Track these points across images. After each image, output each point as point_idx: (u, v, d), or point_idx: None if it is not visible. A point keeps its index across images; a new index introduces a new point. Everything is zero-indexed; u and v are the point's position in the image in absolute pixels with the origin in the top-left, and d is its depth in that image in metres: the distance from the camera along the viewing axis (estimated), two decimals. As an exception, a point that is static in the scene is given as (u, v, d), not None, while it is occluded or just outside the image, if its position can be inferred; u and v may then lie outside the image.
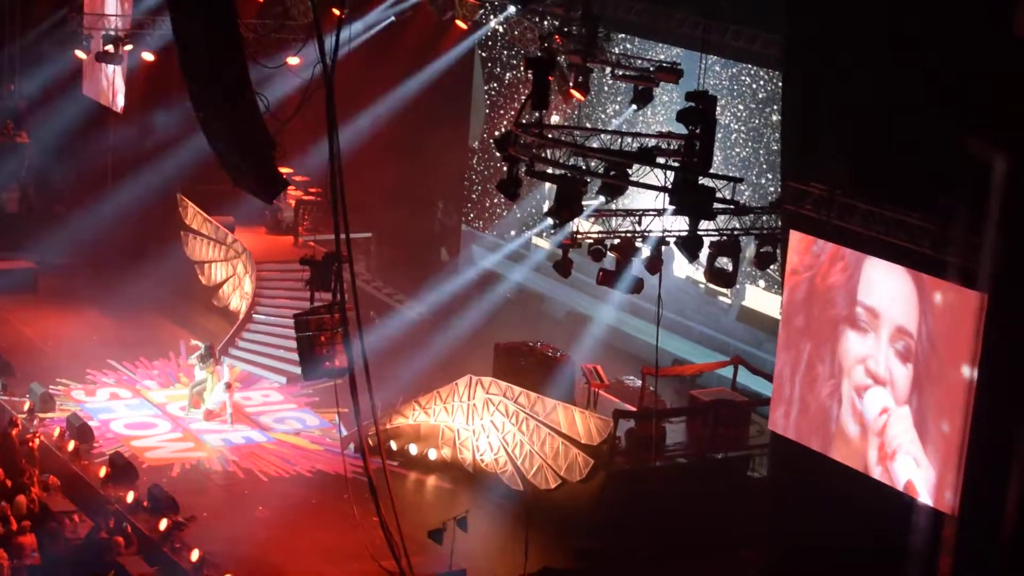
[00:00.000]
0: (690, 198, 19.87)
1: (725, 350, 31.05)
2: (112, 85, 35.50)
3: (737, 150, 31.41)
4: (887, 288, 19.92)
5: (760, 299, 31.49)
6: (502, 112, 36.79)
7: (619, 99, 33.78)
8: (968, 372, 18.62)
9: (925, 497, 19.44)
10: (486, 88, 37.19)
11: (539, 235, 37.63)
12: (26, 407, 27.03)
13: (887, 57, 19.23)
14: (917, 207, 18.95)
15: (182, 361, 29.50)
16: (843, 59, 20.08)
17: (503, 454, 25.74)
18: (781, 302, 22.61)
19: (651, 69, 23.73)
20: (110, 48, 32.39)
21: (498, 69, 36.90)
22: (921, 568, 18.92)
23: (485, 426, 26.00)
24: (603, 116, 34.48)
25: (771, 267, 23.89)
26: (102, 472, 24.80)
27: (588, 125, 32.81)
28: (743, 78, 31.12)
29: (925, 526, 19.20)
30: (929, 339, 19.35)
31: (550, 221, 23.22)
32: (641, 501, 24.24)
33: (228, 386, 28.03)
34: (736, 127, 31.39)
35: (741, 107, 31.29)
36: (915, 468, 19.69)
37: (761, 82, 30.77)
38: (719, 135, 26.77)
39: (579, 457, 24.60)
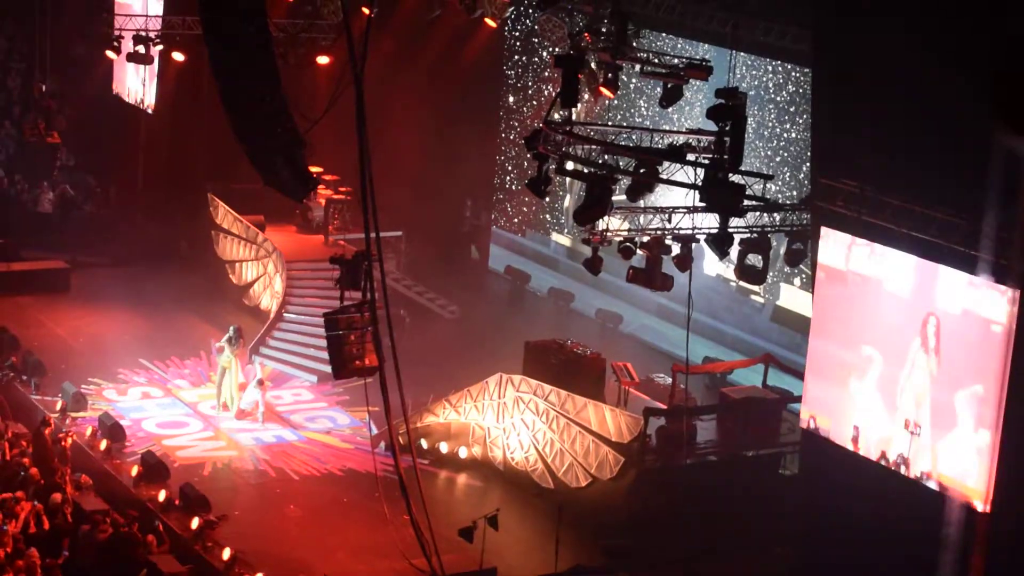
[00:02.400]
0: (720, 195, 19.87)
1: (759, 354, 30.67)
2: (143, 85, 35.60)
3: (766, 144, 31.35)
4: (920, 285, 19.86)
5: (796, 298, 31.07)
6: (526, 110, 36.77)
7: (646, 96, 33.74)
8: (1002, 369, 18.56)
9: (958, 494, 19.37)
10: (514, 85, 37.18)
11: (563, 232, 37.64)
12: (58, 406, 27.12)
13: (918, 52, 19.15)
14: (948, 203, 18.89)
15: (212, 360, 29.52)
16: (873, 54, 20.02)
17: (533, 452, 25.73)
18: (812, 298, 22.54)
19: (680, 66, 23.66)
20: (140, 48, 32.47)
21: (525, 66, 36.89)
22: (953, 566, 18.85)
23: (515, 424, 25.99)
24: (632, 113, 34.42)
25: (802, 264, 23.84)
26: (134, 471, 24.86)
27: (621, 123, 32.81)
28: (772, 75, 31.05)
29: (958, 523, 19.13)
30: (962, 336, 19.29)
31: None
32: (672, 499, 24.20)
33: (260, 383, 28.08)
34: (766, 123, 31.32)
35: (771, 107, 31.22)
36: (948, 465, 19.63)
37: (793, 77, 30.69)
38: (749, 132, 26.73)
39: (609, 455, 24.57)
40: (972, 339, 19.13)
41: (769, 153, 31.19)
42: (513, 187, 37.43)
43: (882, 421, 20.58)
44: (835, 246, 21.03)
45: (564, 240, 38.13)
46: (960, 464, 19.40)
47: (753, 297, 32.87)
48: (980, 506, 19.09)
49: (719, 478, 25.03)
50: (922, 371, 19.93)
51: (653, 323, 33.84)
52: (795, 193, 29.95)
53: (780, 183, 30.46)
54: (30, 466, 23.66)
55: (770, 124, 31.18)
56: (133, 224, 37.57)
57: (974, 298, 18.96)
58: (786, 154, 30.98)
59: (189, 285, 34.60)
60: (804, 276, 29.40)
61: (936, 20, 18.83)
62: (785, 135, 31.00)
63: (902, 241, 19.75)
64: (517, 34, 36.55)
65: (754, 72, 31.24)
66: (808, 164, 28.42)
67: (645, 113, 34.04)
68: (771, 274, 30.43)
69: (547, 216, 37.49)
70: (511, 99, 37.22)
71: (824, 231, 21.22)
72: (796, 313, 30.65)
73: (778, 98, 31.06)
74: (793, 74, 30.52)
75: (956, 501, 19.35)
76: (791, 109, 30.80)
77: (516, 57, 36.88)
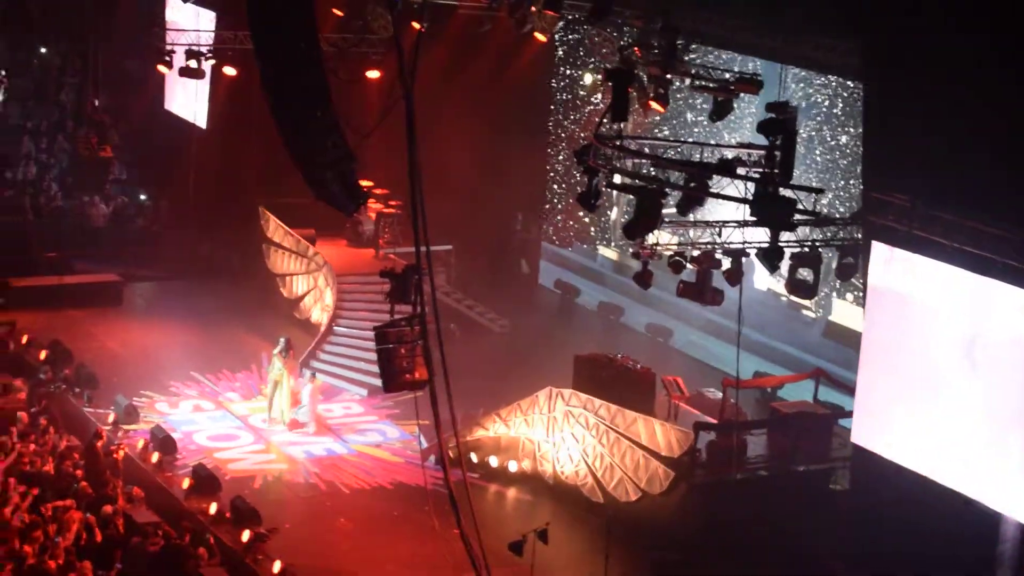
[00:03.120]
0: (770, 209, 19.81)
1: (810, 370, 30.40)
2: (195, 100, 35.81)
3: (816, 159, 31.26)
4: (971, 301, 19.74)
5: (849, 313, 30.85)
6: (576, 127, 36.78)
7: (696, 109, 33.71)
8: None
9: (1011, 511, 19.24)
10: (563, 100, 37.20)
11: (611, 247, 37.62)
12: (110, 419, 27.28)
13: (969, 65, 19.07)
14: (1002, 217, 18.78)
15: (263, 373, 29.63)
16: (924, 67, 19.94)
17: (583, 466, 25.70)
18: (863, 313, 22.45)
19: (731, 80, 23.63)
20: (192, 63, 32.67)
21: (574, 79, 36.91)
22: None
23: (565, 438, 25.97)
24: (678, 125, 34.39)
25: (854, 278, 23.74)
26: (185, 484, 24.97)
27: (668, 136, 32.80)
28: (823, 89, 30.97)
29: (1012, 543, 19.01)
30: (1014, 353, 19.16)
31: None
32: (722, 514, 24.11)
33: (312, 377, 28.23)
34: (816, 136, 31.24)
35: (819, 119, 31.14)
36: (1001, 482, 19.50)
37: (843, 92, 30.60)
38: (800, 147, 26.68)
39: (660, 469, 24.52)
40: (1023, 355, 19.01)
41: (823, 164, 31.12)
42: (560, 201, 37.42)
43: (935, 437, 20.46)
44: (886, 260, 20.93)
45: (611, 254, 38.13)
46: (1010, 485, 19.26)
47: (804, 312, 32.75)
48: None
49: (769, 493, 24.94)
50: (972, 390, 19.81)
51: (701, 339, 33.75)
52: (847, 207, 29.86)
53: (831, 196, 30.36)
54: (82, 478, 23.82)
55: (824, 136, 31.11)
56: (185, 238, 37.77)
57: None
58: (838, 167, 30.91)
59: (240, 298, 34.77)
60: (857, 291, 29.22)
61: (987, 33, 18.75)
62: (837, 148, 30.93)
63: (954, 255, 19.65)
64: (566, 48, 36.55)
65: (800, 84, 31.17)
66: (860, 177, 28.32)
67: (691, 125, 34.00)
68: (823, 289, 30.36)
69: (593, 230, 37.48)
70: (560, 113, 37.22)
71: (875, 245, 21.13)
72: (849, 328, 30.41)
73: (833, 110, 31.00)
74: (841, 88, 30.45)
75: (1009, 521, 19.23)
76: (842, 121, 30.73)
77: (564, 70, 36.87)
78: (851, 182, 30.39)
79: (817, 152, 31.53)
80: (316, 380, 28.95)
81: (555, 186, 37.59)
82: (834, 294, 31.35)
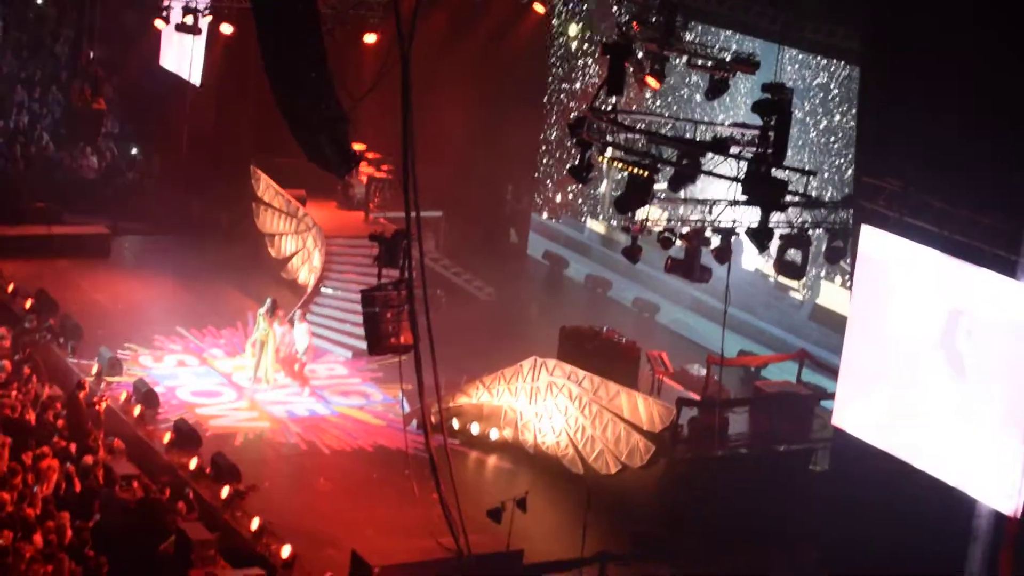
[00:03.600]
0: (762, 189, 19.87)
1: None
2: (190, 56, 35.71)
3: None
4: (958, 289, 19.78)
5: (837, 297, 30.82)
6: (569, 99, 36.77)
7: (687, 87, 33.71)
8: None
9: (988, 498, 19.32)
10: (559, 72, 37.19)
11: (600, 220, 37.66)
12: (94, 370, 27.29)
13: (966, 52, 19.07)
14: (993, 207, 18.80)
15: (249, 331, 29.61)
16: (921, 53, 19.94)
17: (565, 437, 25.78)
18: (850, 296, 22.50)
19: (728, 60, 23.65)
20: (189, 19, 32.57)
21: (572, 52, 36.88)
22: (981, 564, 18.86)
23: (548, 408, 26.04)
24: (671, 103, 34.39)
25: (843, 262, 23.80)
26: (166, 438, 25.00)
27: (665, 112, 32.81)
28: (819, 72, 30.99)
29: (986, 523, 19.11)
30: (997, 341, 19.21)
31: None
32: (701, 490, 24.22)
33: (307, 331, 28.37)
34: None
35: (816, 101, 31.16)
36: (978, 468, 19.57)
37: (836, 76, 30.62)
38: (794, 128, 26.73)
39: (641, 443, 24.60)
40: (1007, 344, 19.05)
41: (814, 149, 31.15)
42: (552, 173, 37.43)
43: (913, 423, 20.52)
44: (875, 245, 20.96)
45: (599, 227, 38.15)
46: (988, 468, 19.34)
47: (792, 294, 32.79)
48: (1010, 511, 19.03)
49: (749, 471, 25.04)
50: (955, 377, 19.87)
51: (686, 317, 33.81)
52: (837, 190, 29.90)
53: (821, 179, 30.39)
54: (63, 428, 23.85)
55: (816, 118, 31.14)
56: (175, 193, 37.69)
57: (1012, 303, 18.88)
58: (830, 149, 30.94)
59: (228, 256, 34.72)
60: (845, 274, 29.27)
61: (987, 20, 18.75)
62: (829, 131, 30.96)
63: (944, 243, 19.67)
64: (565, 18, 36.52)
65: (795, 67, 31.17)
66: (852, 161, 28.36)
67: (685, 103, 34.01)
68: (812, 271, 30.41)
69: (581, 202, 37.49)
70: (555, 84, 37.20)
71: (864, 229, 21.15)
72: (836, 312, 30.42)
73: (824, 93, 31.02)
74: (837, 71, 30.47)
75: (984, 502, 19.32)
76: (835, 105, 30.76)
77: (561, 40, 36.82)
78: (841, 165, 30.43)
79: (812, 134, 31.55)
80: (304, 321, 28.95)
81: (547, 158, 37.59)
82: (823, 277, 31.38)
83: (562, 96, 36.98)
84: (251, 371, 28.51)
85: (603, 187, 37.17)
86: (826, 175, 30.62)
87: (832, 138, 31.04)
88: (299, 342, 28.55)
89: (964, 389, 19.72)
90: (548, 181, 37.59)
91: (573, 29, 35.86)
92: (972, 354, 19.59)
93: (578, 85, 36.75)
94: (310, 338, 28.75)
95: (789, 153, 21.03)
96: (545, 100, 37.28)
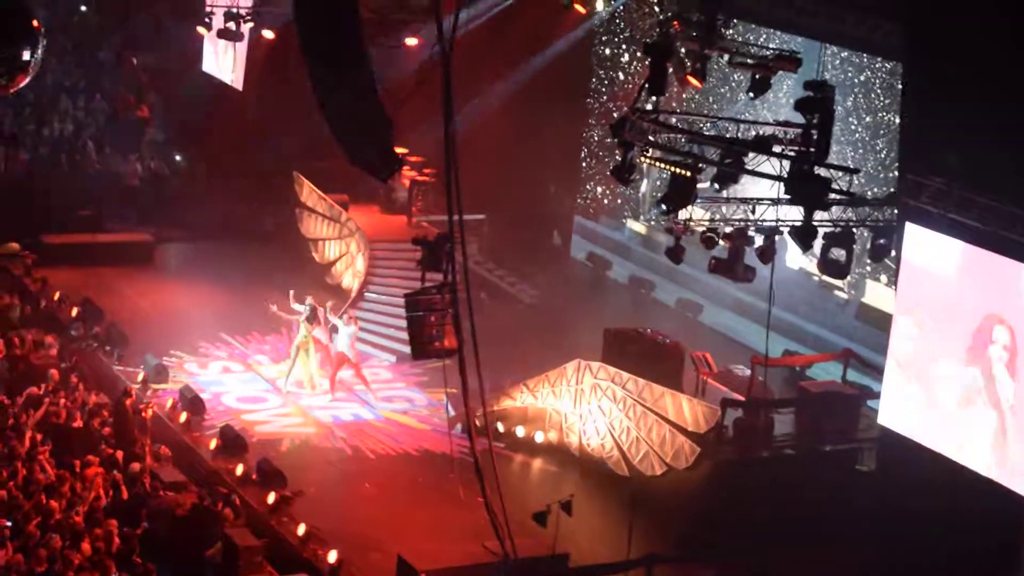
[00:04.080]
0: (805, 188, 19.79)
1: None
2: (233, 62, 35.85)
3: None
4: (1004, 286, 19.66)
5: (882, 295, 30.56)
6: (610, 100, 36.69)
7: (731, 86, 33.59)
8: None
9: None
10: (601, 73, 37.13)
11: (640, 220, 37.56)
12: (140, 378, 27.39)
13: (1011, 49, 18.95)
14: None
15: (293, 336, 29.58)
16: (965, 50, 19.83)
17: (609, 439, 25.72)
18: (895, 294, 22.39)
19: (769, 57, 23.56)
20: (231, 25, 32.67)
21: (614, 53, 36.81)
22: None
23: (592, 411, 25.98)
24: (714, 101, 34.27)
25: (889, 260, 23.69)
26: (212, 444, 25.07)
27: (704, 112, 32.70)
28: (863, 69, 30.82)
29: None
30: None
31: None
32: (747, 491, 24.12)
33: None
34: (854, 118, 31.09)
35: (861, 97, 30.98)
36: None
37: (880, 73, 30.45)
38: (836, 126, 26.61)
39: (686, 445, 24.52)
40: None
41: (858, 146, 30.99)
42: (595, 174, 37.36)
43: (962, 422, 20.41)
44: (920, 243, 20.86)
45: (639, 228, 38.05)
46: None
47: (837, 293, 32.57)
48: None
49: (795, 472, 24.93)
50: (1003, 376, 19.74)
51: (728, 319, 33.64)
52: (881, 188, 29.74)
53: (866, 177, 30.21)
54: (110, 436, 23.96)
55: (859, 114, 30.98)
56: (218, 200, 37.82)
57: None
58: (874, 146, 30.78)
59: (272, 262, 34.79)
60: (890, 273, 29.07)
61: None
62: (872, 128, 30.79)
63: (989, 239, 19.55)
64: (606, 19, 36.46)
65: (837, 63, 31.02)
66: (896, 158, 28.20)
67: (728, 101, 33.90)
68: (857, 270, 30.24)
69: (621, 203, 37.41)
70: (597, 84, 37.15)
71: (909, 227, 21.05)
72: (882, 311, 30.12)
73: (867, 90, 30.86)
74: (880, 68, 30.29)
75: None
76: (879, 101, 30.60)
77: (606, 39, 36.77)
78: (886, 162, 30.25)
79: (855, 131, 31.38)
80: (352, 323, 28.91)
81: (590, 159, 37.54)
82: (868, 276, 31.16)
83: (603, 97, 36.91)
84: (287, 375, 28.45)
85: (644, 187, 37.07)
86: (870, 172, 30.41)
87: (876, 135, 30.86)
88: (345, 344, 28.47)
89: (1011, 386, 19.60)
90: (590, 184, 37.53)
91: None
92: (1021, 353, 19.47)
93: (619, 85, 36.66)
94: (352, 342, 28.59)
95: (834, 149, 20.93)
96: (589, 101, 37.21)
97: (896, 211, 22.90)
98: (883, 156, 30.58)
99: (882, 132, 30.72)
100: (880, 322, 29.42)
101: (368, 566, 21.80)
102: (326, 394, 28.23)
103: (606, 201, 37.69)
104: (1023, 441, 19.45)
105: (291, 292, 28.72)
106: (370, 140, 18.70)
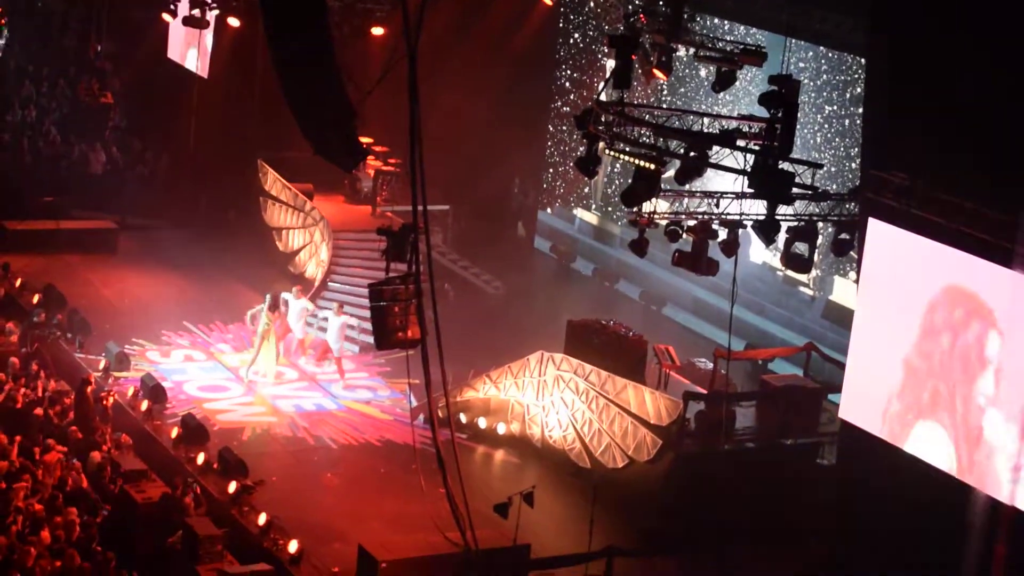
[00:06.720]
0: (769, 182, 19.83)
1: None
2: (197, 50, 35.71)
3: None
4: (965, 283, 19.74)
5: (850, 292, 30.34)
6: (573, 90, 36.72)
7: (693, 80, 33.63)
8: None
9: (989, 488, 19.31)
10: (566, 65, 37.14)
11: (592, 210, 37.57)
12: (101, 365, 27.28)
13: (972, 45, 19.03)
14: (1001, 199, 18.76)
15: (256, 326, 29.57)
16: (929, 47, 19.89)
17: (572, 431, 25.76)
18: (857, 289, 22.46)
19: (735, 52, 23.61)
20: (196, 12, 32.53)
21: (580, 45, 36.83)
22: (978, 557, 18.87)
23: (555, 402, 26.03)
24: (677, 95, 34.30)
25: (850, 252, 23.77)
26: (174, 433, 25.00)
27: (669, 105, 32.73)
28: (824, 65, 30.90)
29: (984, 516, 19.13)
30: (1005, 332, 19.19)
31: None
32: (708, 484, 24.16)
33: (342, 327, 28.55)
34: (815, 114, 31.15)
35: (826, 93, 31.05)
36: (981, 460, 19.56)
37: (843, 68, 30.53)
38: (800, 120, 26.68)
39: (648, 437, 24.58)
40: (1014, 336, 19.02)
41: (821, 141, 31.05)
42: (559, 166, 37.38)
43: (923, 417, 20.50)
44: (882, 238, 20.92)
45: (591, 218, 38.05)
46: (991, 459, 19.32)
47: (802, 289, 32.54)
48: (1008, 500, 19.03)
49: (756, 465, 24.99)
50: (961, 372, 19.84)
51: (688, 320, 33.61)
52: (842, 182, 29.80)
53: (828, 173, 30.27)
54: (71, 423, 23.87)
55: (823, 110, 31.05)
56: (182, 188, 37.71)
57: (1018, 295, 18.83)
58: (837, 142, 30.85)
59: (236, 251, 34.74)
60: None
61: (993, 14, 18.71)
62: (835, 122, 30.86)
63: (951, 236, 19.62)
64: (570, 12, 36.46)
65: (802, 57, 31.08)
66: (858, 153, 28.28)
67: (693, 96, 33.94)
68: (824, 267, 30.31)
69: (574, 195, 37.46)
70: (562, 77, 37.16)
71: (872, 222, 21.11)
72: (849, 308, 29.99)
73: (831, 85, 30.92)
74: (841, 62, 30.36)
75: (983, 496, 19.31)
76: (843, 97, 30.67)
77: (570, 32, 36.77)
78: (848, 157, 30.32)
79: (819, 126, 31.45)
80: (308, 336, 28.97)
81: (552, 151, 37.55)
82: (835, 273, 31.15)
83: (569, 88, 36.92)
84: (247, 365, 28.41)
85: (598, 178, 37.09)
86: (833, 168, 30.49)
87: (839, 130, 30.93)
88: (333, 334, 28.53)
89: (970, 382, 19.70)
90: (550, 173, 37.55)
91: None
92: (978, 346, 19.56)
93: (585, 77, 36.68)
94: (340, 334, 28.72)
95: (796, 144, 20.97)
96: (553, 92, 37.22)
97: (859, 206, 22.97)
98: (846, 151, 30.63)
99: (846, 127, 30.78)
100: (848, 320, 29.28)
101: (329, 556, 21.80)
102: (290, 383, 28.20)
103: (560, 191, 37.70)
104: (981, 436, 19.55)
105: (269, 295, 28.69)
106: (335, 130, 18.66)
